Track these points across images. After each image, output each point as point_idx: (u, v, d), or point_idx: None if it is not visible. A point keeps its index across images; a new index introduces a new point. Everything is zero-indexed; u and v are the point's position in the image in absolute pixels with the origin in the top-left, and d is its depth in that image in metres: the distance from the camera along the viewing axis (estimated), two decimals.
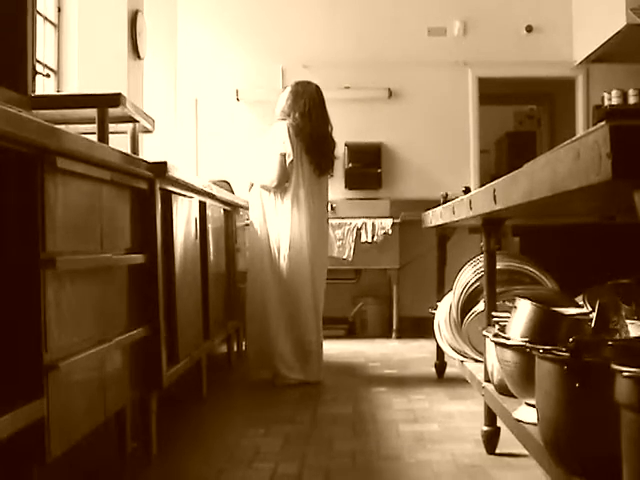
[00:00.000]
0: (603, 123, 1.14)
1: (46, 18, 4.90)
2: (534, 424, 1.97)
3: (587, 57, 6.76)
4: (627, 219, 2.71)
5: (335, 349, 5.65)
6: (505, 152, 9.35)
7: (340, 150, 7.00)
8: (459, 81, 7.10)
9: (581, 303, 2.65)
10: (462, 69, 7.09)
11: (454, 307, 3.50)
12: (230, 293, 4.68)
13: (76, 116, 3.18)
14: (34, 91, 2.96)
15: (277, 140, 4.45)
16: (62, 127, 1.97)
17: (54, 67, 5.03)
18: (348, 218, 6.53)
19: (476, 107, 7.13)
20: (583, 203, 1.93)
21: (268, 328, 4.38)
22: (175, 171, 2.96)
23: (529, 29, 7.05)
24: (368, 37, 7.07)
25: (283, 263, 4.42)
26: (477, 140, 7.16)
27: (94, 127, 2.99)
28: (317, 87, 4.63)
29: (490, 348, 2.57)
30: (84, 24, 5.11)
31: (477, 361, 3.29)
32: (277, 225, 4.46)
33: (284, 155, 4.44)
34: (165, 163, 2.82)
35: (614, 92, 6.73)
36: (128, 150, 3.42)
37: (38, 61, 4.24)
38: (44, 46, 4.83)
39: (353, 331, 6.71)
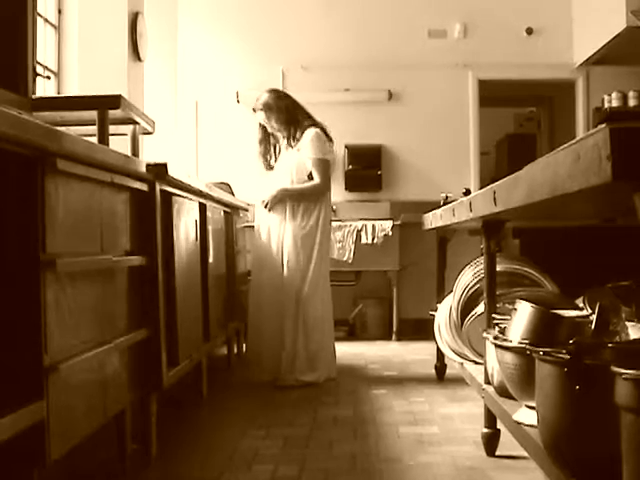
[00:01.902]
0: (603, 125, 1.14)
1: (46, 20, 4.90)
2: (534, 426, 1.97)
3: (587, 59, 6.76)
4: (627, 221, 2.71)
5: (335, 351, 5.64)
6: (505, 154, 9.36)
7: (340, 152, 7.04)
8: (459, 83, 7.11)
9: (581, 305, 2.65)
10: (462, 71, 7.10)
11: (454, 309, 3.50)
12: (230, 295, 4.68)
13: (76, 118, 3.18)
14: (34, 93, 2.96)
15: (314, 147, 4.46)
16: (62, 129, 1.97)
17: (54, 69, 5.03)
18: (348, 220, 6.53)
19: (476, 109, 7.13)
20: (583, 205, 1.93)
21: (275, 331, 4.41)
22: (175, 173, 2.96)
23: (529, 31, 7.05)
24: (368, 39, 7.08)
25: (311, 266, 4.43)
26: (477, 142, 7.16)
27: (94, 129, 3.00)
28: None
29: (490, 350, 2.57)
30: (84, 26, 5.11)
31: (477, 363, 3.29)
32: (306, 229, 4.45)
33: (329, 161, 4.52)
34: (165, 165, 2.82)
35: (614, 94, 6.74)
36: (128, 152, 3.42)
37: (38, 63, 4.23)
38: (44, 48, 4.83)
39: (353, 333, 6.71)
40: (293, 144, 4.56)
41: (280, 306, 4.42)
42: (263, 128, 4.65)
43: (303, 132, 4.54)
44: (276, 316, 4.42)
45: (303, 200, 4.48)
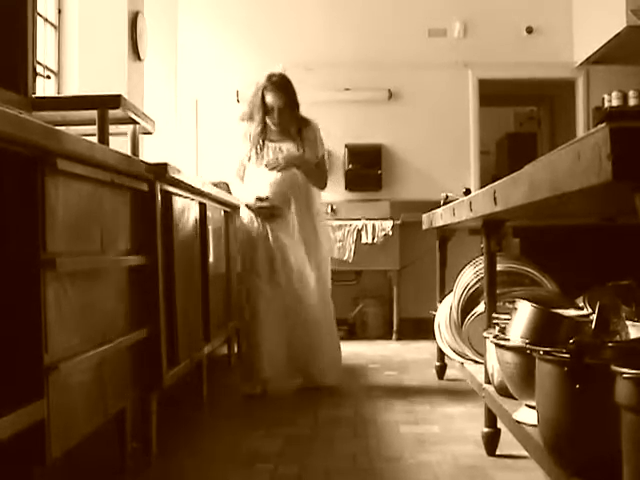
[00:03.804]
0: (603, 125, 1.14)
1: (46, 19, 4.90)
2: (534, 425, 1.97)
3: (587, 58, 6.76)
4: (627, 220, 2.71)
5: None
6: (505, 153, 9.36)
7: (340, 151, 7.04)
8: (459, 82, 7.11)
9: (581, 305, 2.65)
10: (462, 70, 7.10)
11: (454, 308, 3.51)
12: (230, 294, 4.68)
13: (76, 117, 3.18)
14: (34, 92, 2.96)
15: (322, 143, 4.34)
16: (62, 128, 1.97)
17: (54, 69, 5.03)
18: (348, 219, 6.53)
19: (476, 108, 7.13)
20: (583, 204, 1.93)
21: (297, 331, 4.16)
22: (175, 172, 2.96)
23: (529, 30, 7.05)
24: (368, 38, 7.08)
25: (327, 264, 4.33)
26: (477, 141, 7.16)
27: (94, 129, 2.99)
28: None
29: (490, 349, 2.57)
30: (84, 25, 5.12)
31: (477, 362, 3.29)
32: (322, 227, 4.35)
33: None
34: (165, 164, 2.82)
35: (614, 94, 6.73)
36: (128, 151, 3.42)
37: (39, 62, 4.24)
38: (45, 47, 4.83)
39: (353, 332, 6.70)
40: (294, 134, 4.25)
41: (304, 303, 4.15)
42: (265, 109, 4.20)
43: (307, 125, 4.31)
44: (299, 315, 4.15)
45: (309, 180, 4.24)
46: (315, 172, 4.30)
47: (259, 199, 4.19)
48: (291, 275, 4.15)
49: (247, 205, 4.27)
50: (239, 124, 4.39)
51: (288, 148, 4.24)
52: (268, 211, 4.18)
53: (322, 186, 4.38)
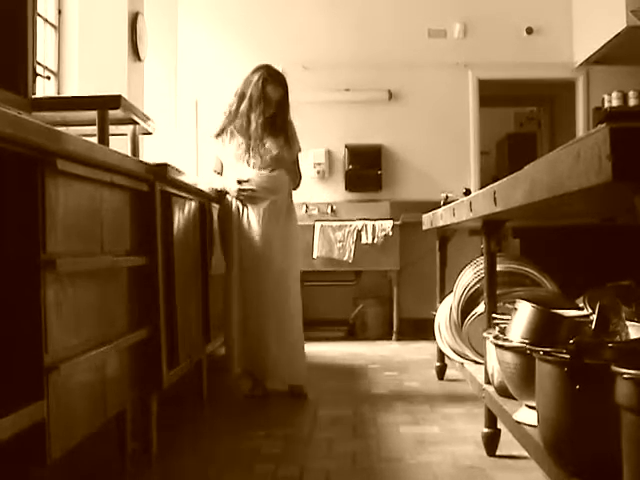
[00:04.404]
0: (603, 125, 1.14)
1: (46, 20, 4.90)
2: (534, 426, 1.97)
3: (587, 59, 6.77)
4: (627, 221, 2.71)
5: (335, 351, 5.65)
6: (506, 154, 9.37)
7: (340, 152, 7.05)
8: (459, 83, 7.11)
9: (581, 305, 2.65)
10: (462, 71, 7.10)
11: (454, 309, 3.51)
12: None
13: (76, 118, 3.18)
14: (34, 93, 2.96)
15: (297, 142, 4.22)
16: (62, 129, 1.97)
17: (54, 69, 5.03)
18: (348, 220, 6.53)
19: (476, 109, 7.13)
20: (583, 205, 1.93)
21: (277, 330, 4.05)
22: (175, 173, 2.96)
23: (529, 31, 7.06)
24: (368, 39, 7.08)
25: (298, 264, 4.26)
26: (477, 142, 7.16)
27: (94, 129, 2.99)
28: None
29: (490, 350, 2.57)
30: (84, 26, 5.12)
31: (477, 363, 3.29)
32: (296, 226, 4.24)
33: None
34: (165, 165, 2.82)
35: (614, 94, 6.74)
36: (128, 152, 3.42)
37: (38, 63, 4.24)
38: (44, 48, 4.83)
39: (353, 333, 6.71)
40: (283, 132, 4.15)
41: (280, 303, 4.04)
42: (266, 101, 4.07)
43: (290, 124, 4.20)
44: (278, 314, 4.04)
45: (292, 180, 4.20)
46: (293, 171, 4.25)
47: (240, 181, 4.08)
48: (262, 274, 4.01)
49: (226, 190, 4.12)
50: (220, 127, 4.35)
51: (269, 146, 4.12)
52: (249, 193, 4.06)
53: (296, 186, 4.29)
